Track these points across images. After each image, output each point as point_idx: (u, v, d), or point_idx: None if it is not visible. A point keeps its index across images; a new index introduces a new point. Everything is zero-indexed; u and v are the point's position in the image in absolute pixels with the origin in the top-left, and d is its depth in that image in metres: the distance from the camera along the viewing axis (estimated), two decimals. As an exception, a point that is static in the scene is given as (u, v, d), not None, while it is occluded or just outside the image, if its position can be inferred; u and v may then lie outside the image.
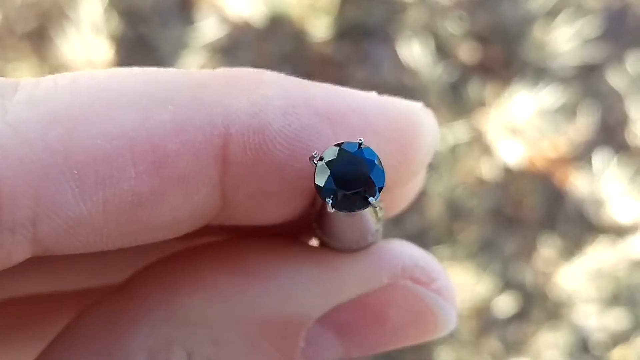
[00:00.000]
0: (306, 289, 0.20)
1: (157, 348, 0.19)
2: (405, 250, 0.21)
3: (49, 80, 0.17)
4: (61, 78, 0.17)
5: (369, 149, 0.17)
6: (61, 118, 0.16)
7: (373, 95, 0.20)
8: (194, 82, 0.18)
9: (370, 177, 0.17)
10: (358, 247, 0.20)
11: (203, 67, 0.95)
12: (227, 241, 0.20)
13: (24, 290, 0.23)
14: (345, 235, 0.20)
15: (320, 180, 0.17)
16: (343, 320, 0.20)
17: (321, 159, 0.17)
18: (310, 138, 0.18)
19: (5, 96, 0.16)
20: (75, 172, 0.16)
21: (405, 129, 0.19)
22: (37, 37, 0.95)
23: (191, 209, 0.18)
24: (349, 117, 0.18)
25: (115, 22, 0.96)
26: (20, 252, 0.16)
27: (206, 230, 0.20)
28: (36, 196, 0.16)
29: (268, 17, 0.97)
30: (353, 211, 0.17)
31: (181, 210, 0.18)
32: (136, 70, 0.18)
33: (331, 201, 0.17)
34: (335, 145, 0.17)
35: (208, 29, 0.96)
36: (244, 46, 0.98)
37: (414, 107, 0.20)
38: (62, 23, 0.95)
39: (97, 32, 0.94)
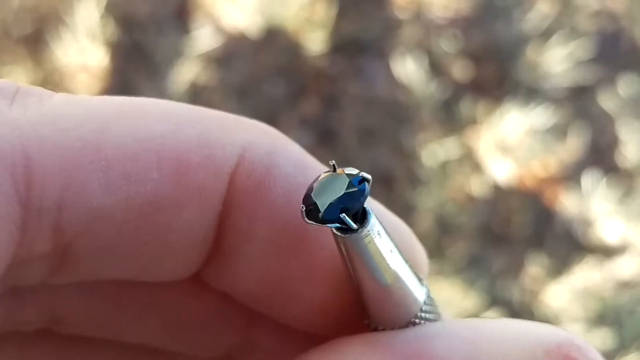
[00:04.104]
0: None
1: None
2: (557, 329, 0.20)
3: (82, 93, 0.18)
4: (95, 96, 0.18)
5: (354, 172, 0.17)
6: (94, 117, 0.17)
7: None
8: (220, 116, 0.19)
9: (348, 198, 0.16)
10: (411, 323, 0.19)
11: (197, 76, 0.96)
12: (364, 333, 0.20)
13: None
14: (391, 310, 0.19)
15: (309, 190, 0.17)
16: None
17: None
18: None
19: (44, 97, 0.17)
20: (104, 164, 0.17)
21: (406, 236, 0.20)
22: (33, 41, 0.96)
23: (202, 226, 0.18)
24: None
25: (111, 29, 0.96)
26: (43, 241, 0.17)
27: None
28: (65, 181, 0.16)
29: (264, 29, 0.97)
30: (326, 224, 0.16)
31: (194, 225, 0.18)
32: (164, 100, 0.19)
33: (304, 208, 0.17)
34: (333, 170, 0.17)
35: (203, 38, 0.97)
36: (238, 57, 0.98)
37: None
38: (58, 28, 0.95)
39: (93, 38, 0.95)
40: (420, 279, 0.20)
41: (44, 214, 0.16)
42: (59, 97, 0.17)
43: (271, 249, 0.19)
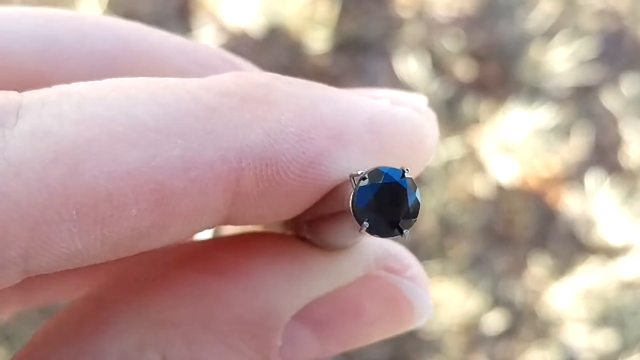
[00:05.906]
0: (281, 286, 0.19)
1: (130, 351, 0.18)
2: (376, 242, 0.21)
3: (53, 105, 0.16)
4: (67, 100, 0.16)
5: (410, 179, 0.17)
6: (64, 156, 0.15)
7: (383, 104, 0.19)
8: (205, 110, 0.17)
9: (409, 209, 0.16)
10: (343, 248, 0.20)
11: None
12: (196, 240, 0.20)
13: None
14: (336, 241, 0.20)
15: (362, 202, 0.16)
16: (319, 316, 0.20)
17: (364, 178, 0.16)
18: (324, 162, 0.17)
19: (7, 125, 0.15)
20: (74, 212, 0.15)
21: (414, 144, 0.19)
22: (34, 40, 0.95)
23: (192, 233, 0.18)
24: (362, 137, 0.18)
25: (113, 27, 0.96)
26: (8, 281, 0.16)
27: None
28: (30, 238, 0.15)
29: (266, 28, 0.97)
30: (383, 237, 0.17)
31: (181, 235, 0.17)
32: (142, 88, 0.17)
33: (367, 224, 0.16)
34: (380, 168, 0.17)
35: (205, 37, 0.96)
36: (240, 56, 0.98)
37: (421, 116, 0.20)
38: (60, 26, 0.95)
39: (94, 37, 0.94)
40: None
41: (7, 266, 0.15)
42: (23, 127, 0.15)
43: (291, 211, 0.18)
